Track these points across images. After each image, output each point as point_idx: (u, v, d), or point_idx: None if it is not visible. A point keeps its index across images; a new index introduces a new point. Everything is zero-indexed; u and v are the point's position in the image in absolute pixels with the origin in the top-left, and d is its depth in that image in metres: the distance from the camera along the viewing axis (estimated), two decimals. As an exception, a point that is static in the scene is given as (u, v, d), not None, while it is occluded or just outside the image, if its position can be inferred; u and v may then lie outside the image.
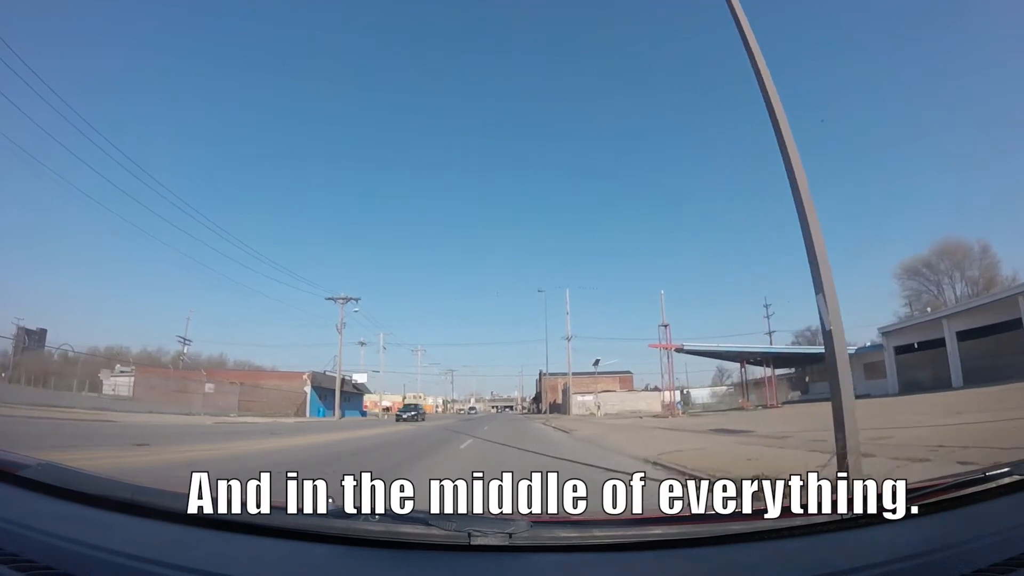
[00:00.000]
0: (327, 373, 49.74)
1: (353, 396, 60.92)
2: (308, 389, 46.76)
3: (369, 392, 68.60)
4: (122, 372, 39.95)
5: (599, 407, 56.11)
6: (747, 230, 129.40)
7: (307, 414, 43.66)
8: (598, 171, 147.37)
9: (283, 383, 45.78)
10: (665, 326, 37.71)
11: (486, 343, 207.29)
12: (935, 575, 0.98)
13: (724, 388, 76.84)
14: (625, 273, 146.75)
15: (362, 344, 68.87)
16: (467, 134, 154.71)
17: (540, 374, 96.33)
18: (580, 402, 62.76)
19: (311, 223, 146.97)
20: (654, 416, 34.95)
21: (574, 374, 74.47)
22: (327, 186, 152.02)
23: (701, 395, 72.06)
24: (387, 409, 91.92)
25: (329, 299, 44.23)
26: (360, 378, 62.29)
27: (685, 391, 71.36)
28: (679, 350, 37.74)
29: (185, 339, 56.20)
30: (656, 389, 76.79)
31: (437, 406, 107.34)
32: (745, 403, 39.16)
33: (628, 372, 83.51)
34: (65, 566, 0.96)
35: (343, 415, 49.17)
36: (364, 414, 65.75)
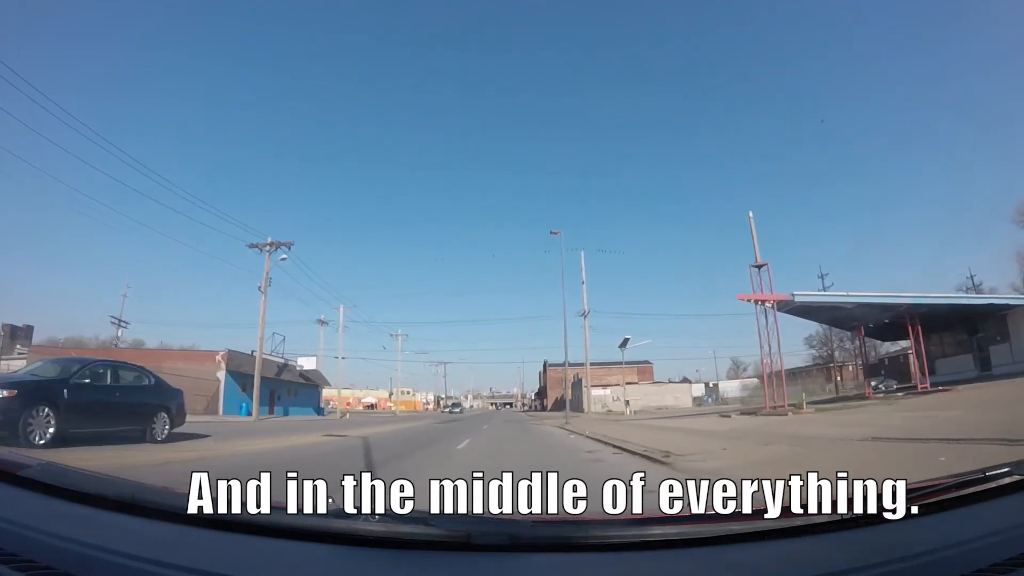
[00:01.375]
0: (254, 353, 36.51)
1: (304, 388, 48.35)
2: (222, 375, 34.23)
3: (328, 385, 54.17)
4: (19, 355, 33.94)
5: (628, 403, 44.97)
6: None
7: (220, 410, 32.40)
8: (599, 170, 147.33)
9: (190, 365, 33.01)
10: (760, 267, 23.46)
11: (484, 320, 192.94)
12: (935, 575, 0.98)
13: (754, 381, 69.99)
14: (638, 253, 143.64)
15: (322, 323, 51.64)
16: (467, 133, 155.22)
17: (544, 365, 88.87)
18: (595, 397, 53.49)
19: (287, 210, 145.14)
20: (744, 413, 24.01)
21: (581, 366, 63.32)
22: (318, 183, 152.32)
23: (730, 388, 64.76)
24: (371, 406, 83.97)
25: (253, 247, 31.48)
26: (307, 363, 47.44)
27: (711, 384, 66.30)
28: (784, 307, 23.77)
29: (120, 321, 45.72)
30: (686, 380, 69.26)
31: (427, 403, 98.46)
32: (867, 389, 30.00)
33: (647, 362, 73.15)
34: (65, 566, 0.96)
35: (284, 413, 39.57)
36: (321, 412, 52.06)
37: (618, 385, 57.31)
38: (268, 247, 31.98)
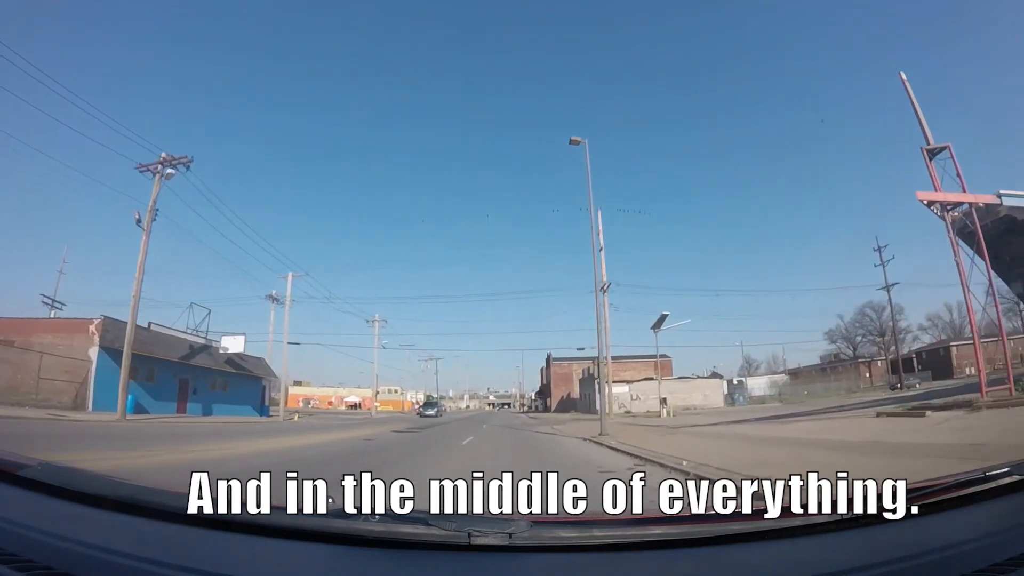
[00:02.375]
0: (151, 327, 28.13)
1: (237, 380, 36.39)
2: (95, 353, 24.28)
3: (274, 376, 40.96)
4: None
5: (665, 402, 36.30)
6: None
7: (89, 404, 23.14)
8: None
9: (59, 340, 24.38)
10: (936, 151, 15.77)
11: (479, 296, 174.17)
12: (935, 575, 0.98)
13: (782, 376, 65.33)
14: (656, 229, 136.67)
15: (273, 300, 38.13)
16: (468, 132, 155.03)
17: (548, 359, 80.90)
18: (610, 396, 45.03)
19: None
20: (930, 409, 14.72)
21: (591, 360, 49.81)
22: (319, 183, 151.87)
23: (757, 385, 60.10)
24: (355, 406, 75.43)
25: (142, 169, 22.37)
26: (233, 345, 34.70)
27: (736, 380, 60.67)
28: (986, 219, 15.22)
29: (54, 301, 35.31)
30: (716, 375, 59.81)
31: (417, 403, 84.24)
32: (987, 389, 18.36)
33: (665, 356, 60.87)
34: (65, 566, 0.96)
35: (205, 412, 30.75)
36: (265, 412, 39.73)
37: (641, 380, 48.68)
38: (159, 167, 22.21)
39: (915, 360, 58.82)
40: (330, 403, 78.61)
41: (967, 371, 50.74)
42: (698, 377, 57.92)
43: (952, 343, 58.71)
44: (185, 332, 31.79)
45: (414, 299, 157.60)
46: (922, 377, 48.06)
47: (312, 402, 78.16)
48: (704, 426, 19.67)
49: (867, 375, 61.40)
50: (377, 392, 64.25)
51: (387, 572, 1.06)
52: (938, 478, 1.30)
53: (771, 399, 50.55)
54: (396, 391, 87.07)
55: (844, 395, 43.16)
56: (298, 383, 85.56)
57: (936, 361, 55.16)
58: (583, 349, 47.81)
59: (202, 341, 32.76)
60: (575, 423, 27.06)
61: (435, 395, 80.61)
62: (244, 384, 37.97)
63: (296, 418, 34.07)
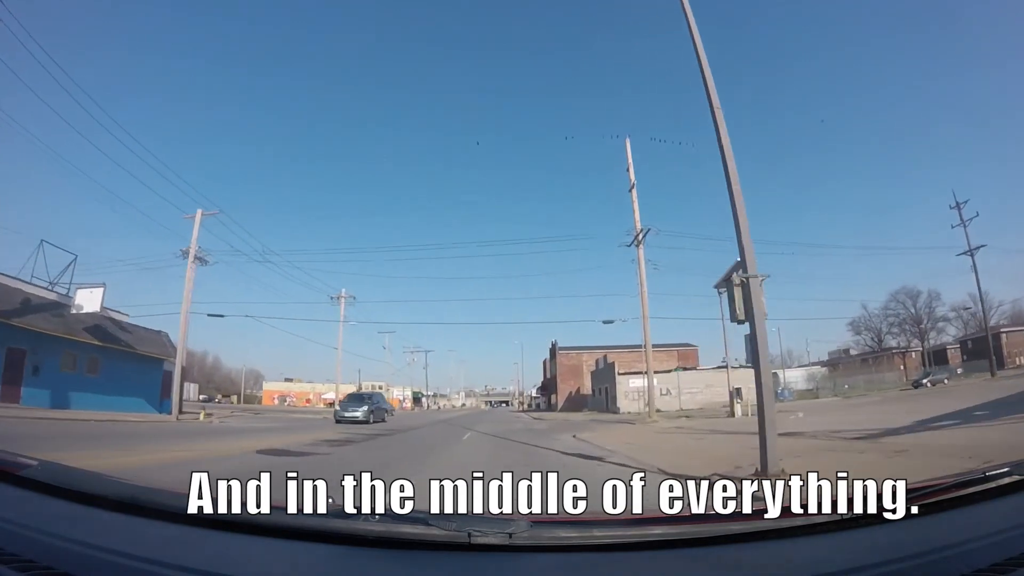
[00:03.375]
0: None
1: (117, 358, 24.88)
2: None
3: (169, 358, 27.00)
4: None
5: (739, 393, 26.51)
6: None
7: None
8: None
9: None
10: None
11: (480, 244, 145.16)
12: (935, 575, 0.98)
13: (820, 368, 59.46)
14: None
15: (196, 259, 25.75)
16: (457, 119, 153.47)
17: (552, 349, 72.87)
18: (631, 390, 37.43)
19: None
20: None
21: (604, 349, 48.58)
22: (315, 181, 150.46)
23: (794, 377, 53.84)
24: (335, 403, 69.19)
25: None
26: (87, 302, 21.84)
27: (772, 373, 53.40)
28: None
29: None
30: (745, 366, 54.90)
31: (404, 400, 77.50)
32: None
33: (690, 345, 55.42)
34: (65, 566, 0.96)
35: (57, 403, 20.33)
36: (165, 408, 26.17)
37: (670, 371, 39.55)
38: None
39: (960, 349, 54.77)
40: (308, 400, 74.56)
41: (1017, 360, 46.89)
42: (740, 366, 49.51)
43: (1002, 329, 53.26)
44: (31, 283, 21.17)
45: (391, 251, 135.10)
46: (968, 368, 43.06)
47: (289, 399, 75.12)
48: (894, 436, 10.27)
49: (902, 367, 57.21)
50: (360, 387, 57.09)
51: (387, 572, 1.06)
52: (938, 478, 1.30)
53: (824, 393, 43.51)
54: (382, 388, 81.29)
55: (900, 389, 39.10)
56: (289, 380, 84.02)
57: (982, 350, 47.35)
58: (612, 322, 37.97)
59: (52, 296, 21.79)
60: (603, 427, 19.68)
61: (426, 392, 73.36)
62: (131, 366, 25.89)
63: (203, 417, 23.49)
